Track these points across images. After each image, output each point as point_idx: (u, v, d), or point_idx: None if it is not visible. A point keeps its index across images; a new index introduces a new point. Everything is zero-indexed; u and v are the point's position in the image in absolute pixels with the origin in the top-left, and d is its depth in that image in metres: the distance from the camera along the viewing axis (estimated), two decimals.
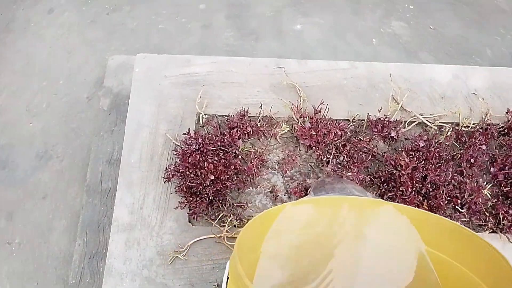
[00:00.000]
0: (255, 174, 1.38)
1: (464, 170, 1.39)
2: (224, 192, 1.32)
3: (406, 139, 1.46)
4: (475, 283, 0.63)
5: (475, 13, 2.24)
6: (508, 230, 1.33)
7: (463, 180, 1.36)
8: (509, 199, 1.37)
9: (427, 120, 1.46)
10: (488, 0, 2.26)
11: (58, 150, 1.89)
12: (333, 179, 1.30)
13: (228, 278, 0.66)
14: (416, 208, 0.75)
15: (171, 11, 2.17)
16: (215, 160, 1.31)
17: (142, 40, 2.11)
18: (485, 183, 1.38)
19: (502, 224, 1.33)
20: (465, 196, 1.34)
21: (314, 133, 1.37)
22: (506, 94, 1.53)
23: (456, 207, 1.35)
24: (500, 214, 1.34)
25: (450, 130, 1.43)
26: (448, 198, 1.34)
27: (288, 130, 1.44)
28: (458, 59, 2.13)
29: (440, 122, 1.47)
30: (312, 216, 0.76)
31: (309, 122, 1.42)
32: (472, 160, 1.40)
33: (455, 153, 1.41)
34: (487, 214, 1.36)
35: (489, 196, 1.37)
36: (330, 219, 0.75)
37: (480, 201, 1.36)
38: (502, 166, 1.40)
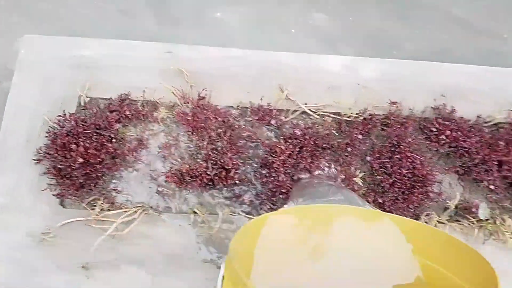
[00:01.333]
0: (133, 158, 1.38)
1: (341, 159, 1.42)
2: (95, 175, 1.32)
3: (291, 127, 1.47)
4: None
5: (397, 7, 2.26)
6: None
7: (337, 168, 1.39)
8: (381, 188, 1.40)
9: (310, 110, 1.47)
10: None
11: None
12: (311, 180, 1.28)
13: (223, 278, 0.66)
14: (409, 219, 0.76)
15: None
16: (86, 143, 1.30)
17: (57, 23, 2.06)
18: (358, 172, 1.41)
19: None
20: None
21: (191, 118, 1.38)
22: (395, 85, 1.55)
23: None
24: (371, 202, 1.37)
25: (330, 119, 1.45)
26: None
27: (172, 116, 1.44)
28: (376, 52, 2.14)
29: (323, 112, 1.48)
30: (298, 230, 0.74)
31: (193, 108, 1.43)
32: (349, 149, 1.42)
33: (333, 142, 1.43)
34: None
35: (361, 184, 1.40)
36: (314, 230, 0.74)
37: (355, 188, 1.39)
38: (378, 155, 1.42)
